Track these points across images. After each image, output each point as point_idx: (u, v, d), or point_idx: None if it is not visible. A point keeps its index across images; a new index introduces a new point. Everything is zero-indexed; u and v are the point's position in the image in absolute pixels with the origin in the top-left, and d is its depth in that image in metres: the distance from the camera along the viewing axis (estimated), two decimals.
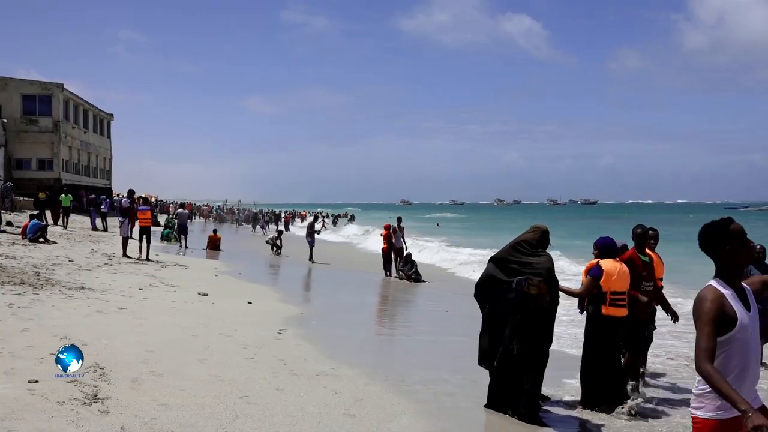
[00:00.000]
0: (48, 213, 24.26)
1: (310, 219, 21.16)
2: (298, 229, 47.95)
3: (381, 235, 18.08)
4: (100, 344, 6.31)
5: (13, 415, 4.13)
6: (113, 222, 29.16)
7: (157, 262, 15.60)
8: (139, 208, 17.09)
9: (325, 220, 56.65)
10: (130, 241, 16.44)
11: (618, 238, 6.46)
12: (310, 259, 20.44)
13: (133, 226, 16.89)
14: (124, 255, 15.61)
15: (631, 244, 6.48)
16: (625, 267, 5.90)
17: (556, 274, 5.58)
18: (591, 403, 5.72)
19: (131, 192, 18.12)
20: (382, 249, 17.76)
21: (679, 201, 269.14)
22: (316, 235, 21.81)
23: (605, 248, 5.95)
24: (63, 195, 25.06)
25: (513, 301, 5.31)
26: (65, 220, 24.42)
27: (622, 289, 5.80)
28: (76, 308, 8.17)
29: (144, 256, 15.88)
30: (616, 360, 5.91)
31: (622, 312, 5.81)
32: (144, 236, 16.18)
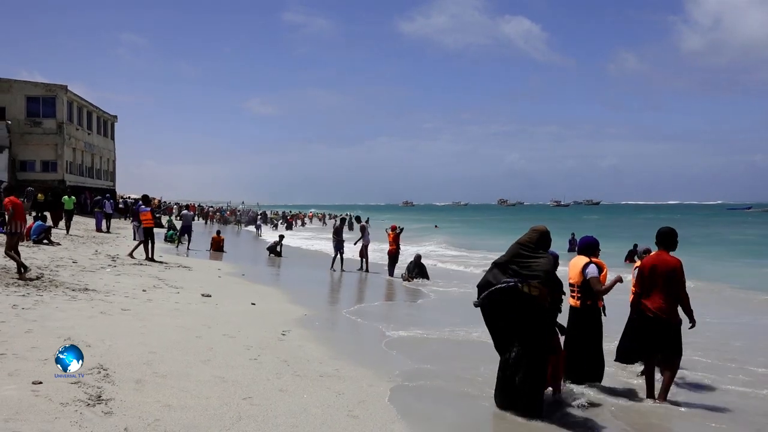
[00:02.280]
0: (48, 215, 23.48)
1: (336, 222, 18.55)
2: (300, 231, 48.07)
3: (388, 236, 18.13)
4: (104, 345, 6.32)
5: (17, 417, 4.13)
6: (116, 224, 29.26)
7: (161, 263, 15.63)
8: (141, 209, 17.11)
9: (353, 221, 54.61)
10: (132, 242, 16.50)
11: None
12: (341, 269, 18.26)
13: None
14: (130, 255, 15.68)
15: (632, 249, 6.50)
16: (578, 262, 6.32)
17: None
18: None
19: (145, 197, 18.21)
20: (389, 250, 17.78)
21: (671, 202, 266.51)
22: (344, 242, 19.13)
23: (586, 246, 6.48)
24: (66, 197, 23.94)
25: (497, 299, 5.35)
26: (68, 223, 22.69)
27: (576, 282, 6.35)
28: (79, 310, 8.18)
29: (150, 256, 15.94)
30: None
31: (575, 303, 6.37)
32: (148, 237, 16.24)
